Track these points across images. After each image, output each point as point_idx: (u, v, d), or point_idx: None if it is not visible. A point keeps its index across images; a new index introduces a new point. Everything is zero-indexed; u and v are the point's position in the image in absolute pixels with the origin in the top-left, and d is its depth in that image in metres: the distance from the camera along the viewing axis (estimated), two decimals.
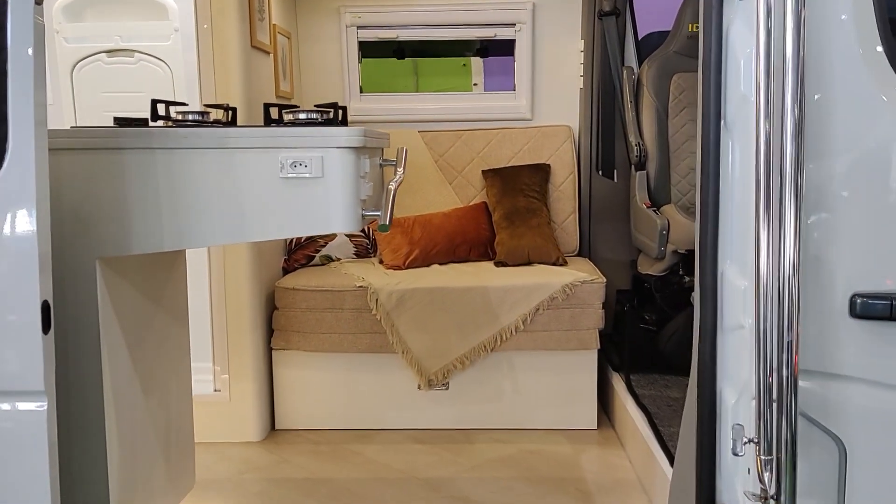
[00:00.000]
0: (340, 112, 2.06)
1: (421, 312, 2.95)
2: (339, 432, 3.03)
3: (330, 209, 1.72)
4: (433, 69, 4.49)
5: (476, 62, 4.53)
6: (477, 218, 3.40)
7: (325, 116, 1.87)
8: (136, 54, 3.51)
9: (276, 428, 3.07)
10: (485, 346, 2.96)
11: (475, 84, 4.58)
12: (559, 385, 3.01)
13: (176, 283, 2.15)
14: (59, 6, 3.44)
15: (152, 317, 2.02)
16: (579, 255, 3.56)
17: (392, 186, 1.85)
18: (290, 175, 1.70)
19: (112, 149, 1.70)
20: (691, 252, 2.82)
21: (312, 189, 1.71)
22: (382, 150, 2.17)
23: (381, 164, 2.11)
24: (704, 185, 1.51)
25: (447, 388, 3.02)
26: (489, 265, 3.26)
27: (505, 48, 3.81)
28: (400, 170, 2.03)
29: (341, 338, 2.97)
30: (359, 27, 3.60)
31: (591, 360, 3.01)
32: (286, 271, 3.31)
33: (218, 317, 2.89)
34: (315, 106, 2.00)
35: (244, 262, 2.90)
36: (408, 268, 3.22)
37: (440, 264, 3.29)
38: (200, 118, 1.91)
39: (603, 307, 2.99)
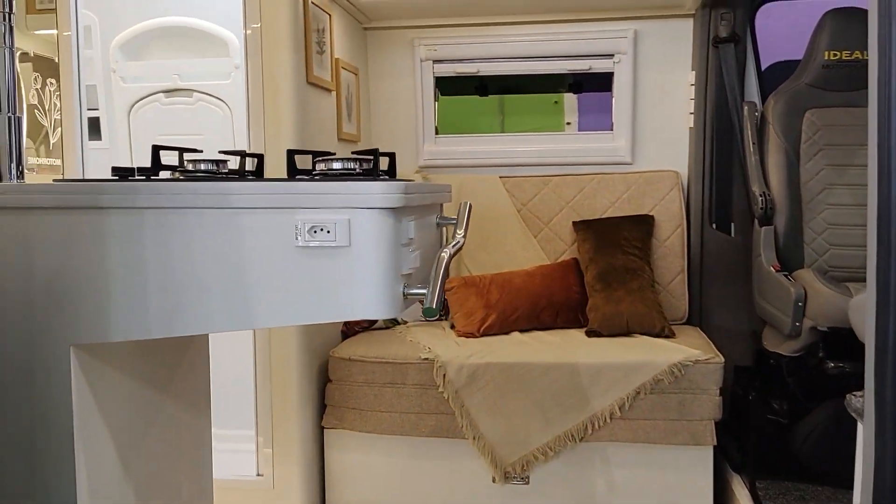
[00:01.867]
0: (388, 159, 1.65)
1: (496, 391, 2.48)
2: None
3: (359, 288, 1.30)
4: (520, 107, 4.07)
5: (569, 99, 4.08)
6: (565, 278, 2.92)
7: (363, 166, 1.47)
8: (195, 94, 3.25)
9: None
10: (572, 435, 2.46)
11: (568, 123, 4.13)
12: (665, 486, 2.47)
13: (192, 363, 1.78)
14: (117, 44, 3.23)
15: (156, 409, 1.64)
16: (688, 323, 3.02)
17: (444, 254, 1.42)
18: (308, 243, 1.29)
19: (93, 207, 1.34)
20: (835, 330, 2.25)
21: (337, 262, 1.30)
22: (441, 206, 1.75)
23: (437, 224, 1.69)
24: (883, 252, 1.04)
25: (527, 483, 2.53)
26: (579, 334, 2.77)
27: (601, 82, 3.35)
28: (460, 232, 1.60)
29: (403, 418, 2.54)
30: (435, 61, 3.23)
31: (705, 457, 2.45)
32: (345, 335, 2.92)
33: (262, 386, 2.52)
34: (353, 153, 1.60)
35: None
36: (483, 335, 2.77)
37: (521, 332, 2.82)
38: (215, 168, 1.54)
39: (720, 392, 2.44)
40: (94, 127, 3.31)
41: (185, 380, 1.75)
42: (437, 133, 3.30)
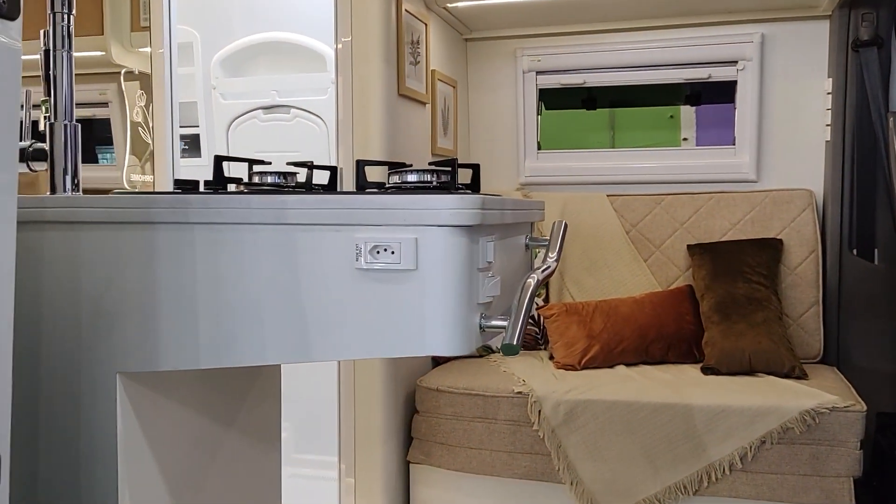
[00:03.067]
0: (471, 172, 1.46)
1: (597, 432, 2.23)
2: None
3: (427, 319, 1.11)
4: (632, 122, 3.80)
5: (686, 112, 3.78)
6: (678, 307, 2.64)
7: (441, 179, 1.29)
8: (293, 110, 3.18)
9: None
10: (685, 487, 2.17)
11: (684, 139, 3.83)
12: None
13: (262, 393, 1.64)
14: (217, 60, 3.21)
15: (218, 443, 1.51)
16: (823, 361, 2.66)
17: (531, 281, 1.21)
18: (370, 266, 1.12)
19: (142, 223, 1.23)
20: None
21: (402, 287, 1.12)
22: (532, 226, 1.55)
23: (526, 246, 1.49)
24: None
25: None
26: (693, 371, 2.48)
27: (722, 92, 3.06)
28: (552, 255, 1.39)
29: (494, 456, 2.33)
30: (538, 72, 3.03)
31: None
32: (436, 362, 2.74)
33: (346, 412, 2.37)
34: (429, 164, 1.42)
35: None
36: (584, 368, 2.52)
37: (627, 366, 2.55)
38: (282, 182, 1.40)
39: (860, 446, 2.09)
40: (195, 144, 3.31)
41: (252, 412, 1.62)
42: (539, 148, 3.09)
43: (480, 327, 1.18)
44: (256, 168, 1.50)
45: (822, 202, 2.77)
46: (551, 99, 3.28)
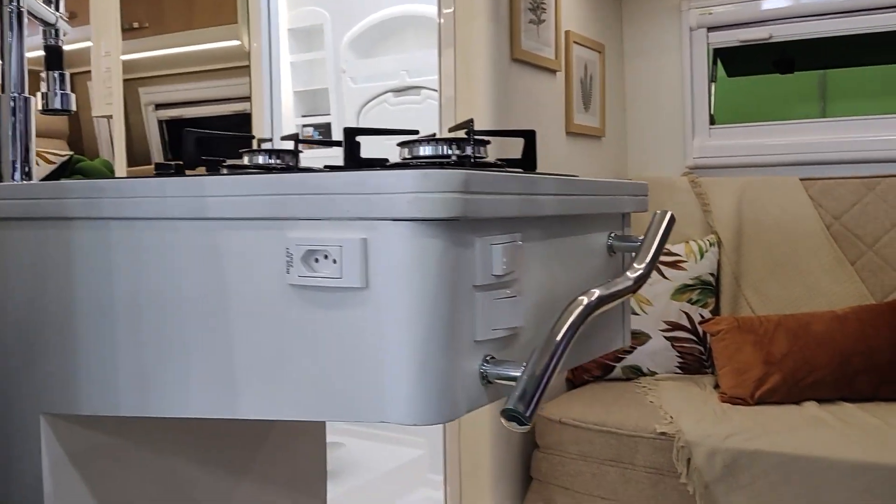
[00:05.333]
0: (523, 142, 1.01)
1: (768, 494, 1.67)
2: None
3: (383, 366, 0.71)
4: (850, 87, 3.04)
5: None
6: (895, 326, 1.97)
7: (458, 151, 0.88)
8: (423, 91, 2.86)
9: None
10: None
11: None
12: None
13: (285, 436, 1.31)
14: (347, 41, 2.96)
15: (220, 502, 1.20)
16: None
17: (580, 304, 0.78)
18: (303, 280, 0.73)
19: (58, 218, 0.93)
20: None
21: (346, 315, 0.72)
22: (625, 218, 1.07)
23: (610, 248, 1.02)
24: None
25: None
26: None
27: None
28: (640, 265, 0.92)
29: None
30: (709, 28, 2.45)
31: None
32: (571, 385, 2.28)
33: (451, 446, 1.99)
34: (450, 129, 1.01)
35: None
36: (759, 403, 1.95)
37: (819, 403, 1.93)
38: (276, 163, 1.05)
39: None
40: (327, 133, 3.10)
41: (275, 461, 1.29)
42: (712, 123, 2.51)
43: (485, 377, 0.75)
44: (264, 146, 1.17)
45: None
46: (732, 62, 2.68)
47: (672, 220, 0.99)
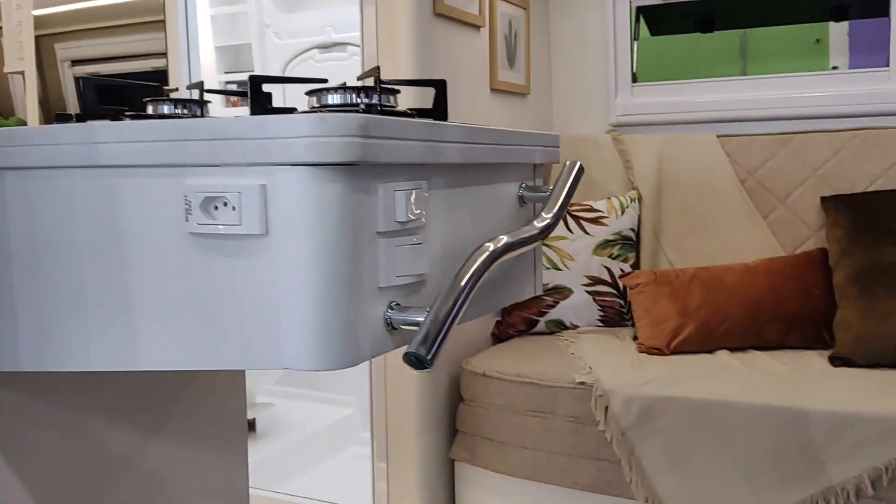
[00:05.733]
0: (433, 90, 1.01)
1: (681, 438, 1.74)
2: None
3: (281, 314, 0.71)
4: (769, 46, 3.12)
5: (837, 33, 3.06)
6: (805, 277, 2.06)
7: (366, 99, 0.88)
8: (349, 48, 2.81)
9: None
10: None
11: (834, 67, 3.11)
12: None
13: (204, 390, 1.30)
14: None
15: (133, 459, 1.19)
16: None
17: (484, 252, 0.80)
18: (203, 228, 0.72)
19: None
20: None
21: (246, 264, 0.72)
22: (537, 169, 1.09)
23: (521, 199, 1.03)
24: None
25: None
26: (819, 361, 1.91)
27: (873, 4, 2.38)
28: (548, 214, 0.93)
29: (551, 460, 1.89)
30: None
31: None
32: (497, 339, 2.32)
33: (378, 397, 2.01)
34: (358, 79, 1.00)
35: None
36: (674, 353, 2.02)
37: (731, 351, 2.02)
38: (182, 112, 1.02)
39: None
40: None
41: (194, 415, 1.28)
42: (634, 81, 2.55)
43: (389, 324, 0.76)
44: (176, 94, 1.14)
45: None
46: (655, 21, 2.71)
47: (581, 170, 1.01)
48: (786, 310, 2.01)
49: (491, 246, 0.82)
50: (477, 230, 0.92)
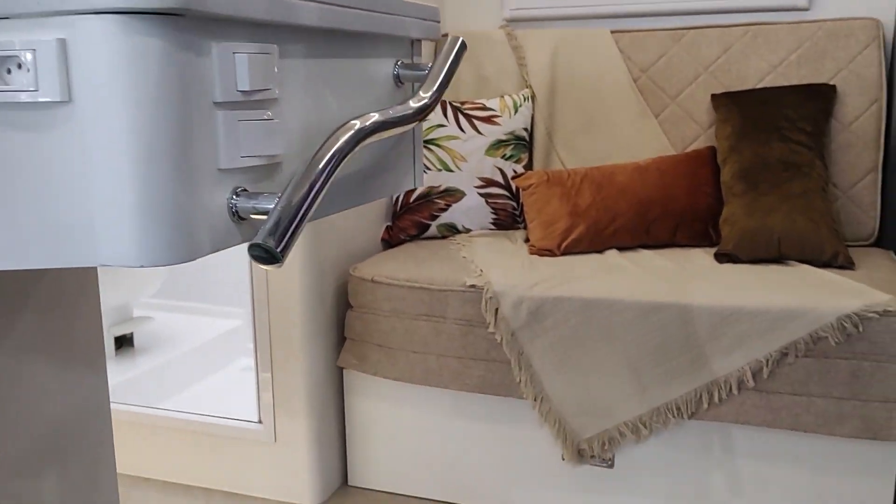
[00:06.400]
0: None
1: (569, 338, 1.73)
2: None
3: (94, 200, 0.59)
4: None
5: None
6: (694, 175, 2.05)
7: None
8: None
9: (350, 483, 2.06)
10: (678, 409, 1.68)
11: None
12: (820, 494, 1.66)
13: (56, 297, 1.16)
14: None
15: None
16: (878, 244, 2.08)
17: (347, 130, 0.69)
18: None
19: None
20: None
21: (47, 139, 0.59)
22: (415, 45, 0.98)
23: (396, 76, 0.93)
24: None
25: (611, 466, 1.80)
26: (706, 258, 1.93)
27: None
28: (426, 94, 0.84)
29: (442, 363, 1.86)
30: None
31: (886, 459, 1.60)
32: (387, 245, 2.24)
33: (260, 306, 1.91)
34: None
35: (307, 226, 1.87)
36: (565, 254, 2.00)
37: (621, 250, 2.01)
38: None
39: None
40: None
41: (34, 335, 1.14)
42: None
43: (235, 213, 0.65)
44: None
45: (892, 35, 2.09)
46: None
47: (463, 46, 0.91)
48: (675, 208, 2.01)
49: (357, 123, 0.71)
50: (344, 110, 0.81)
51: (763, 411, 1.62)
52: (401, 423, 1.96)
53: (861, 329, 1.54)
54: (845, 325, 1.55)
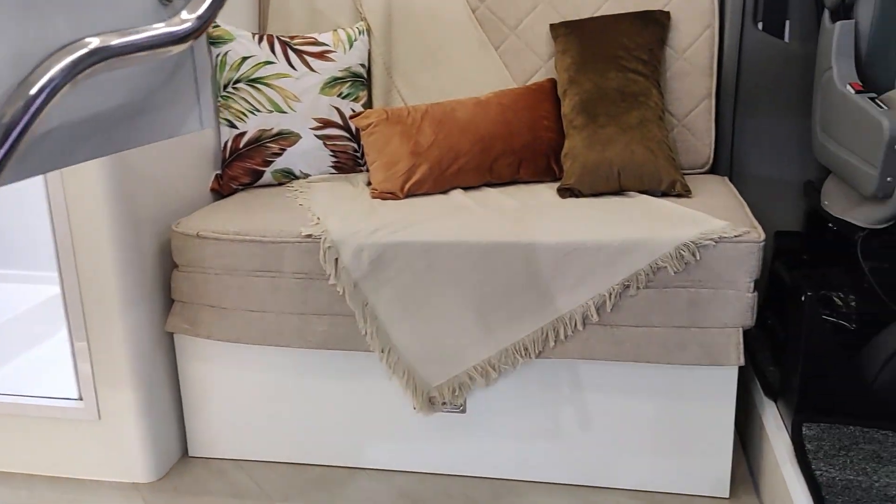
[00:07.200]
0: None
1: (413, 285, 1.65)
2: (283, 468, 1.86)
3: None
4: None
5: None
6: (536, 108, 2.00)
7: None
8: None
9: (191, 454, 1.92)
10: (525, 349, 1.65)
11: None
12: (665, 421, 1.68)
13: None
14: None
15: None
16: (712, 171, 2.11)
17: (92, 46, 0.54)
18: None
19: None
20: None
21: None
22: None
23: None
24: None
25: (463, 411, 1.75)
26: (549, 194, 1.89)
27: None
28: (191, 15, 0.69)
29: (282, 321, 1.73)
30: None
31: (726, 382, 1.64)
32: (218, 196, 2.07)
33: (67, 268, 1.70)
34: None
35: (104, 172, 1.67)
36: (409, 196, 1.90)
37: (465, 190, 1.94)
38: None
39: (754, 287, 1.58)
40: None
41: None
42: None
43: None
44: None
45: None
46: None
47: None
48: (517, 144, 1.95)
49: (93, 42, 0.57)
50: (81, 32, 0.66)
51: (607, 345, 1.62)
52: (242, 387, 1.83)
53: (698, 257, 1.55)
54: (683, 253, 1.55)
